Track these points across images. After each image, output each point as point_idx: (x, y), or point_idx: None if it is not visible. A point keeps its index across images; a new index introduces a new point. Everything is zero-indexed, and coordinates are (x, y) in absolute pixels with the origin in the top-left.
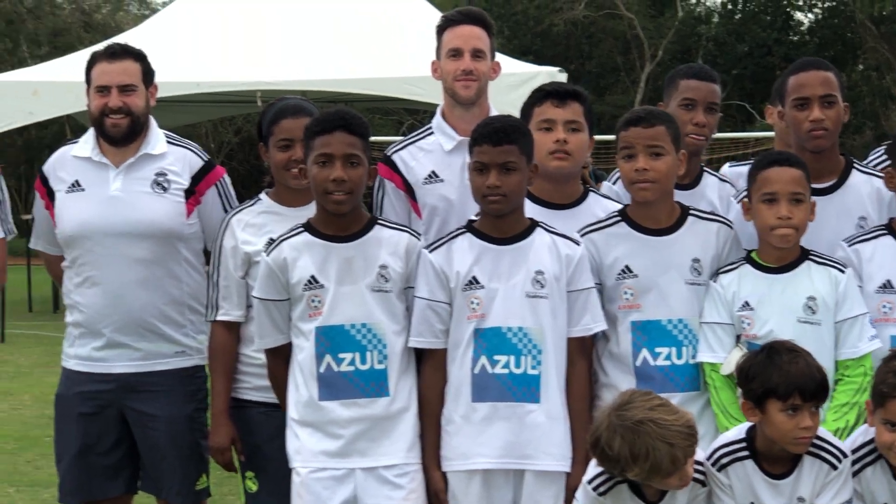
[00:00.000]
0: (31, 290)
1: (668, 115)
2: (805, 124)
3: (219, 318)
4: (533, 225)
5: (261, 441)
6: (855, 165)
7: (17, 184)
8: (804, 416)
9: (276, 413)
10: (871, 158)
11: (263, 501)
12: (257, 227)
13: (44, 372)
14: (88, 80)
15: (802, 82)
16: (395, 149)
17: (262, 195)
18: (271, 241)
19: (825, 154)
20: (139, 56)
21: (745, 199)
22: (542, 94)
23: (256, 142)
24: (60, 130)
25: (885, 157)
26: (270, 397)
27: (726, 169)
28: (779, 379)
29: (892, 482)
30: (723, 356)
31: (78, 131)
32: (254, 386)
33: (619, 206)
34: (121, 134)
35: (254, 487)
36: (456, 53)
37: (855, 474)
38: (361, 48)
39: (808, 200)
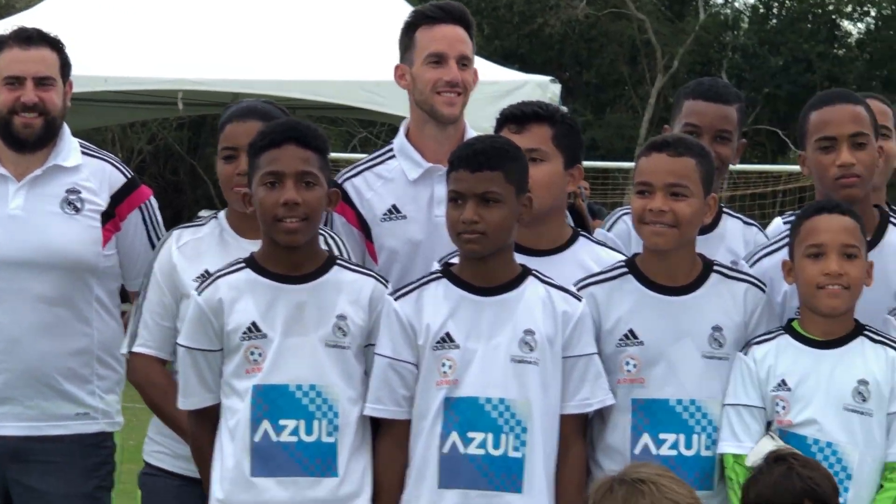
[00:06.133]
0: None
1: (704, 149)
2: (831, 170)
3: (135, 349)
4: (524, 273)
5: None
6: (892, 220)
7: None
8: None
9: (191, 488)
10: None
11: None
12: (195, 252)
13: None
14: None
15: (826, 119)
16: (346, 175)
17: (220, 214)
18: (206, 274)
19: (857, 207)
20: (56, 44)
21: (787, 259)
22: (501, 119)
23: (174, 152)
24: None
25: None
26: (187, 469)
27: (779, 223)
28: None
29: None
30: (749, 446)
31: None
32: (171, 452)
33: (618, 257)
34: (33, 137)
35: None
36: (439, 60)
37: None
38: (306, 44)
39: (864, 258)
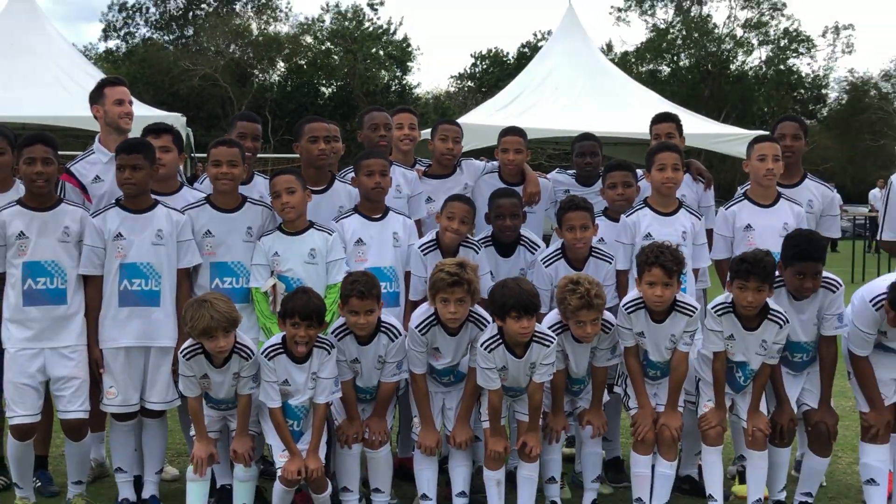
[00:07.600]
0: None
1: None
2: None
3: None
4: (155, 203)
5: None
6: None
7: None
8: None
9: None
10: None
11: None
12: None
13: None
14: None
15: None
16: (71, 165)
17: None
18: None
19: None
20: None
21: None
22: None
23: None
24: None
25: None
26: None
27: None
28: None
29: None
30: (262, 283)
31: None
32: None
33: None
34: None
35: None
36: (121, 102)
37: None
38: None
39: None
